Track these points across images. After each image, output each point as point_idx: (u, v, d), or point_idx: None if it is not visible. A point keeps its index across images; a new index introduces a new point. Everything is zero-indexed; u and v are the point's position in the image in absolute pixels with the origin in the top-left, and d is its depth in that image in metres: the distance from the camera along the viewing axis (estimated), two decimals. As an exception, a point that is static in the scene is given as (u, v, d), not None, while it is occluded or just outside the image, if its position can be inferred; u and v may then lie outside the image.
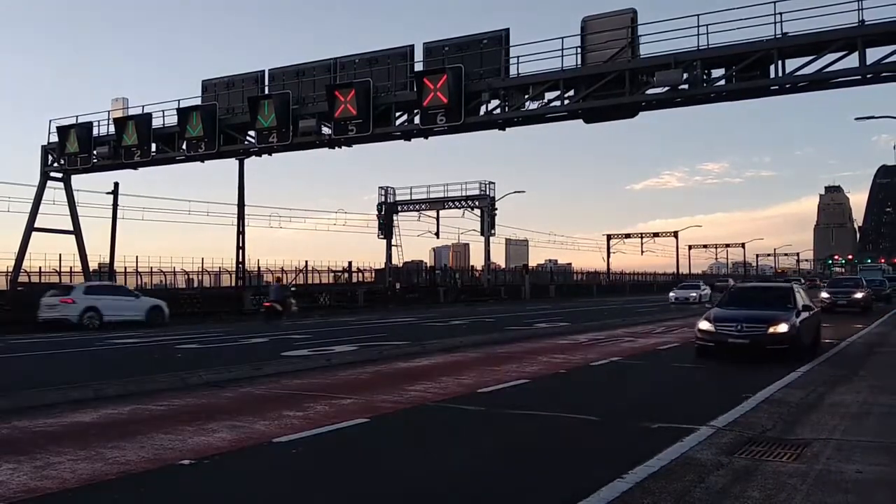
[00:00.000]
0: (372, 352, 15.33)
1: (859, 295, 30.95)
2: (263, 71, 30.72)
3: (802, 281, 64.99)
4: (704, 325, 13.86)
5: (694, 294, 44.99)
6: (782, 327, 13.05)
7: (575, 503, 5.04)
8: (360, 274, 56.34)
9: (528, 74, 26.03)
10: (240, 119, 30.54)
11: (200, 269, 52.23)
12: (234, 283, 39.03)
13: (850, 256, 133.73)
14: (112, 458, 6.40)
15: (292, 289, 31.89)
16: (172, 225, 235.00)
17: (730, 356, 13.66)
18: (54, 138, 34.44)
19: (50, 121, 35.29)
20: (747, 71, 23.23)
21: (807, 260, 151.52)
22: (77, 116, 34.39)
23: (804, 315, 13.88)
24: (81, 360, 15.70)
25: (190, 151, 31.55)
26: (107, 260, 37.83)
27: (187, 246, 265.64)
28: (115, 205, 36.60)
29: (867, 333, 20.06)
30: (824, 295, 31.36)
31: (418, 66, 27.25)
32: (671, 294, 48.05)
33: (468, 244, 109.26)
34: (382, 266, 55.29)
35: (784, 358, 12.57)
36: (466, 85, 25.96)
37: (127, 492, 5.54)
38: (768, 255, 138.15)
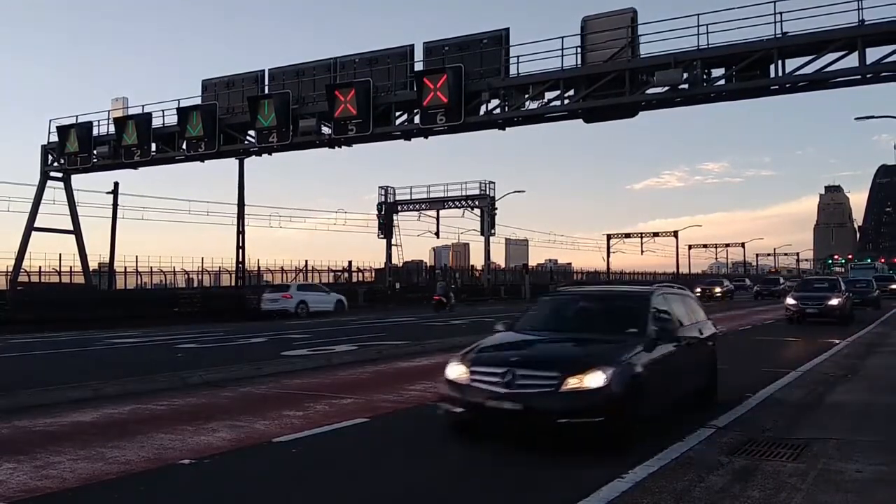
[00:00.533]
0: (371, 351, 15.32)
1: (835, 301, 23.63)
2: (263, 71, 30.74)
3: (781, 281, 56.33)
4: (454, 369, 7.02)
5: None
6: (593, 379, 6.35)
7: (575, 502, 5.04)
8: (360, 273, 56.33)
9: (528, 74, 26.05)
10: (240, 119, 30.55)
11: (200, 269, 52.27)
12: (234, 283, 39.05)
13: (850, 256, 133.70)
14: (112, 458, 6.40)
15: (452, 286, 41.64)
16: (172, 225, 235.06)
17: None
18: (54, 138, 34.46)
19: (50, 121, 35.39)
20: (747, 71, 23.25)
21: (807, 260, 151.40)
22: (77, 116, 34.50)
23: (661, 352, 7.22)
24: (81, 360, 15.69)
25: (190, 151, 31.56)
26: (107, 259, 37.89)
27: (187, 246, 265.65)
28: (115, 204, 36.69)
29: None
30: (790, 301, 24.67)
31: (418, 66, 27.27)
32: None
33: (468, 244, 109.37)
34: (382, 266, 55.26)
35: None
36: (466, 85, 25.97)
37: (127, 491, 5.54)
38: (768, 254, 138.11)
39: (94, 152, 33.84)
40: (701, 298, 47.83)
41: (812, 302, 23.81)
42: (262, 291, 34.59)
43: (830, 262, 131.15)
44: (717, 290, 50.49)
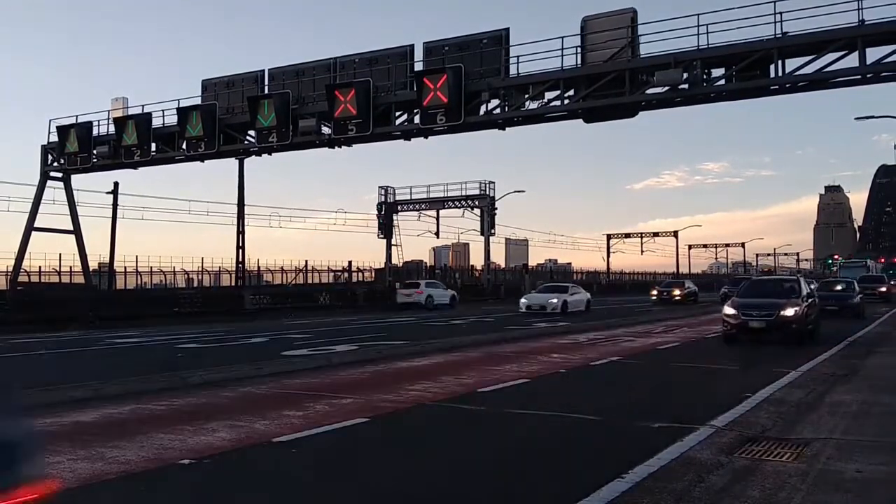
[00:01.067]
0: (372, 351, 15.33)
1: (790, 311, 16.87)
2: (263, 71, 30.73)
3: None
4: None
5: (555, 300, 32.24)
6: None
7: (575, 503, 5.04)
8: (360, 274, 56.28)
9: (527, 74, 26.04)
10: (239, 119, 30.54)
11: (200, 269, 52.26)
12: (234, 283, 39.07)
13: (850, 256, 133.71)
14: (112, 458, 6.40)
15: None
16: (172, 225, 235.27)
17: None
18: (54, 138, 34.44)
19: (50, 120, 35.33)
20: (747, 71, 23.24)
21: (807, 259, 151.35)
22: (77, 116, 34.43)
23: None
24: (82, 360, 15.72)
25: (190, 151, 31.55)
26: (106, 259, 37.88)
27: (187, 246, 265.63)
28: (115, 204, 36.67)
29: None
30: (728, 311, 17.60)
31: (418, 66, 27.26)
32: (522, 300, 33.96)
33: (468, 244, 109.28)
34: (382, 266, 55.24)
35: None
36: (466, 85, 25.96)
37: (127, 491, 5.54)
38: (768, 254, 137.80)
39: (94, 152, 33.80)
40: (658, 302, 44.34)
41: (758, 312, 17.10)
42: (262, 291, 34.84)
43: (830, 261, 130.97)
44: (677, 292, 45.74)
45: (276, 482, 5.83)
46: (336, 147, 30.24)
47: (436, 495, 5.58)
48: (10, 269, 36.92)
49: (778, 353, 15.13)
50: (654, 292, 48.21)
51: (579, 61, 25.06)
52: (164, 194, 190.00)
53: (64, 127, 33.85)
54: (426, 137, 29.08)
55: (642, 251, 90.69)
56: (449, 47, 27.09)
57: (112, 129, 32.93)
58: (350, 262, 55.73)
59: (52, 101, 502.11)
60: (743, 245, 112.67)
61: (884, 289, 41.69)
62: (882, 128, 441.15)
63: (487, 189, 52.87)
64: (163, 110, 32.39)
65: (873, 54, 21.92)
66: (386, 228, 54.45)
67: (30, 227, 35.56)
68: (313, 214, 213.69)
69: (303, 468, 6.33)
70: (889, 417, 8.02)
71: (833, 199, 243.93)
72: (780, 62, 22.81)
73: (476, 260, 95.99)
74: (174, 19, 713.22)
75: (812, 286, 21.73)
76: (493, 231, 53.71)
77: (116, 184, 36.61)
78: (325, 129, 29.13)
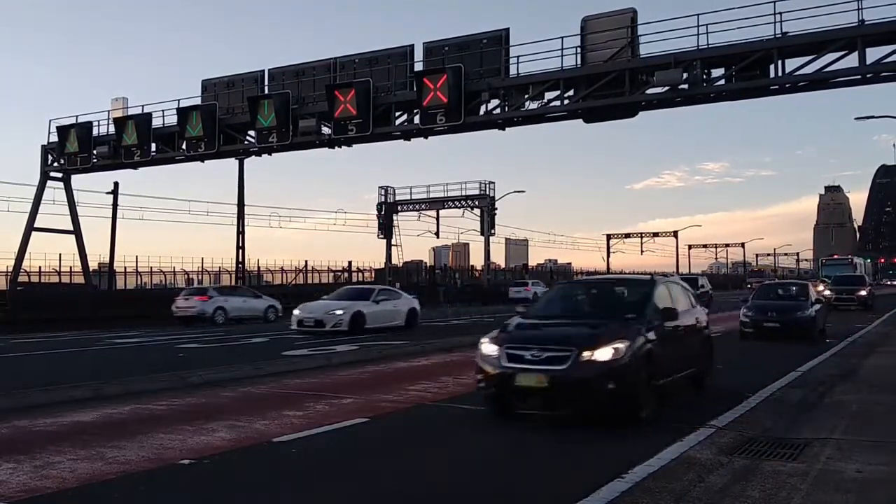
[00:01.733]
0: (372, 351, 15.35)
1: (605, 353, 7.51)
2: (263, 71, 30.70)
3: (701, 284, 33.52)
4: None
5: (340, 312, 21.20)
6: None
7: (575, 503, 5.04)
8: (360, 274, 56.30)
9: (527, 74, 26.01)
10: (240, 119, 30.52)
11: (200, 269, 52.26)
12: (233, 283, 39.08)
13: (849, 255, 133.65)
14: (112, 458, 6.40)
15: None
16: (172, 225, 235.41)
17: None
18: (54, 138, 34.41)
19: (50, 121, 35.24)
20: (747, 71, 23.23)
21: (807, 260, 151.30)
22: (77, 116, 34.37)
23: None
24: (81, 360, 15.71)
25: (190, 151, 31.53)
26: (106, 259, 37.91)
27: (187, 246, 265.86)
28: (114, 205, 36.71)
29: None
30: (487, 350, 8.22)
31: (418, 66, 27.23)
32: (295, 312, 22.11)
33: (468, 244, 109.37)
34: (382, 266, 55.28)
35: None
36: (466, 85, 25.94)
37: (127, 491, 5.54)
38: (768, 254, 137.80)
39: (94, 152, 33.76)
40: None
41: (537, 353, 7.77)
42: (262, 291, 34.77)
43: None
44: None
45: (276, 482, 5.83)
46: (336, 147, 30.22)
47: (436, 495, 5.58)
48: (10, 269, 36.90)
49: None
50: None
51: (579, 61, 25.03)
52: (164, 194, 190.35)
53: (64, 127, 33.81)
54: (426, 137, 29.06)
55: (642, 251, 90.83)
56: (449, 47, 27.07)
57: (112, 129, 32.89)
58: (350, 263, 55.83)
59: (52, 101, 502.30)
60: (743, 245, 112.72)
61: (863, 292, 33.05)
62: (882, 128, 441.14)
63: (487, 189, 52.91)
64: (163, 110, 32.38)
65: (873, 54, 21.92)
66: (386, 228, 54.48)
67: (30, 227, 35.54)
68: (313, 214, 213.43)
69: (303, 468, 6.33)
70: (889, 417, 8.00)
71: (833, 199, 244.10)
72: (780, 62, 22.79)
73: (476, 260, 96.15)
74: (174, 19, 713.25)
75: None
76: (492, 231, 53.78)
77: (116, 184, 36.68)
78: (325, 129, 29.11)
